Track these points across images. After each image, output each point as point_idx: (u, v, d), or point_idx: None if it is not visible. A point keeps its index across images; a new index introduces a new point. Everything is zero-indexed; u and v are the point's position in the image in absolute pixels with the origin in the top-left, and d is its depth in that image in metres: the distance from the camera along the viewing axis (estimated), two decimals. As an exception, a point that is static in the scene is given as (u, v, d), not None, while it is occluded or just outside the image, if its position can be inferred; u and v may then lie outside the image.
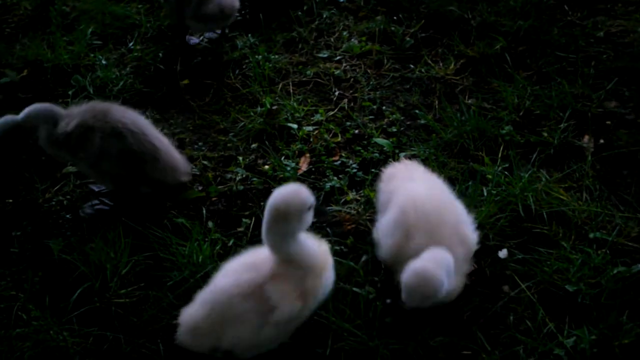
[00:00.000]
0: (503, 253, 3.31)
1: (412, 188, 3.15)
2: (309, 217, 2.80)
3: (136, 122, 3.65)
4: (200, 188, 3.81)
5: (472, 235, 3.06)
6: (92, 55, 4.78)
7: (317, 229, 3.47)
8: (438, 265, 2.77)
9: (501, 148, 3.87)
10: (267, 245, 2.80)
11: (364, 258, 3.32)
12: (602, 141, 3.94)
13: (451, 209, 3.08)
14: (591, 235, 3.38)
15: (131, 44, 4.95)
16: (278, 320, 2.76)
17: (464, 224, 3.06)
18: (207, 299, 2.84)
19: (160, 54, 4.81)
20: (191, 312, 2.85)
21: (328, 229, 3.49)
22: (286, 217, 2.72)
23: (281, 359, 2.99)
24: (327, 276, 2.89)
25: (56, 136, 3.55)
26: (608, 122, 4.07)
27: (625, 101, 4.21)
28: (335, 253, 3.29)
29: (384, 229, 3.10)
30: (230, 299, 2.77)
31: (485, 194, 3.57)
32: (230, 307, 2.77)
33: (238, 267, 2.88)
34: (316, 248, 2.88)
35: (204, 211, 3.65)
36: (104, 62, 4.72)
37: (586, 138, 3.96)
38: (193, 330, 2.82)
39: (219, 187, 3.81)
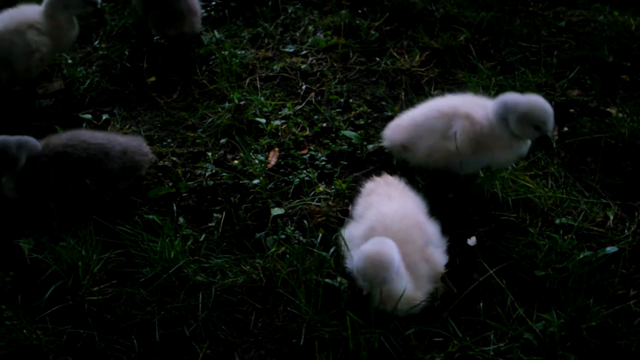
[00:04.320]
0: (472, 241, 3.35)
1: (385, 206, 3.22)
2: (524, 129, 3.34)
3: (74, 135, 3.70)
4: (170, 184, 3.82)
5: (439, 257, 3.12)
6: (57, 54, 4.75)
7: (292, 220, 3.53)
8: (383, 243, 2.92)
9: (467, 138, 3.91)
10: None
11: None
12: (566, 129, 4.01)
13: (420, 230, 3.14)
14: (557, 221, 3.44)
15: (97, 42, 4.94)
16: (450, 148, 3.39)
17: (431, 245, 3.12)
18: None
19: (127, 52, 4.80)
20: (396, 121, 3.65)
21: (304, 221, 3.53)
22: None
23: (256, 348, 3.01)
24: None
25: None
26: (571, 110, 4.13)
27: (588, 89, 4.29)
28: (306, 244, 3.34)
29: (352, 240, 3.16)
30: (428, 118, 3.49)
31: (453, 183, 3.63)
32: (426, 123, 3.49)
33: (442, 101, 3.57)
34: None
35: (175, 207, 3.66)
36: (69, 61, 4.70)
37: (550, 126, 4.03)
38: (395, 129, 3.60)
39: (189, 183, 3.82)
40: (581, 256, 3.21)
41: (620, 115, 4.01)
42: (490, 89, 4.23)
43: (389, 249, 2.90)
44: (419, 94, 4.30)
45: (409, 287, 2.96)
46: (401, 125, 3.59)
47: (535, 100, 3.35)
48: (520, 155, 3.50)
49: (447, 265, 3.12)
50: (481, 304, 3.08)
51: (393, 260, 2.87)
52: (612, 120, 3.98)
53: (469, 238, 3.36)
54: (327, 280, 3.16)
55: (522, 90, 4.17)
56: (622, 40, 4.60)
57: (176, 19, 4.67)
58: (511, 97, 3.38)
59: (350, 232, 3.22)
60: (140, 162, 3.72)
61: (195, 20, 4.74)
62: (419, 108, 3.62)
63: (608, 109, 4.12)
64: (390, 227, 3.06)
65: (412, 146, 3.52)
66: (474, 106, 3.43)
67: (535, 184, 3.62)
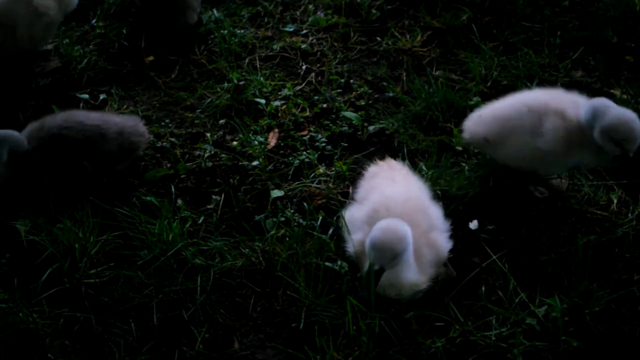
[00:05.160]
0: (474, 224, 3.30)
1: (389, 189, 3.16)
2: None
3: (69, 116, 3.65)
4: (168, 166, 3.78)
5: (443, 242, 3.07)
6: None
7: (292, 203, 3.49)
8: (399, 222, 2.87)
9: (469, 119, 3.87)
10: None
11: None
12: (569, 111, 3.96)
13: (424, 214, 3.09)
14: (560, 204, 3.40)
15: (94, 20, 4.87)
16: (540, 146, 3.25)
17: (436, 230, 3.08)
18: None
19: (124, 31, 4.74)
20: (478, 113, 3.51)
21: (304, 203, 3.49)
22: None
23: (255, 332, 2.99)
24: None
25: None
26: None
27: (591, 70, 4.24)
28: (306, 227, 3.31)
29: (354, 222, 3.11)
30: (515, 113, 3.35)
31: (455, 165, 3.58)
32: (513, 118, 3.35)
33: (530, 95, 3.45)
34: None
35: (173, 189, 3.62)
36: (66, 40, 4.64)
37: (554, 108, 3.98)
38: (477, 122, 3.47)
39: (187, 164, 3.77)
40: (584, 240, 3.17)
41: (625, 96, 3.97)
42: (492, 70, 4.19)
43: (405, 227, 2.86)
44: (420, 75, 4.26)
45: (413, 272, 2.93)
46: (484, 118, 3.44)
47: (624, 115, 3.12)
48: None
49: (450, 250, 3.09)
50: (483, 289, 3.05)
51: (408, 237, 2.83)
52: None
53: (471, 222, 3.32)
54: (327, 263, 3.12)
55: (524, 71, 4.14)
56: (626, 20, 4.54)
57: (171, 15, 4.63)
58: (602, 103, 3.19)
59: (352, 214, 3.18)
60: (137, 142, 3.67)
61: (190, 14, 4.68)
62: (504, 101, 3.47)
63: (612, 91, 4.08)
64: (394, 209, 3.01)
65: (498, 141, 3.37)
66: (565, 102, 3.27)
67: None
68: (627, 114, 3.13)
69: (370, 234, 2.85)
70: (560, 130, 3.22)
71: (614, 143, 3.10)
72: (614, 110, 3.13)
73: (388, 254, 2.80)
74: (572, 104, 3.27)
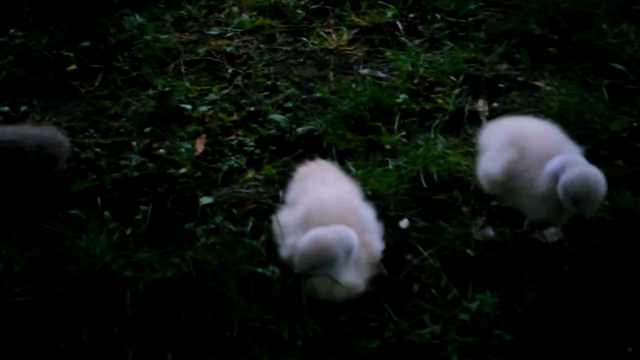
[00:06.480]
0: (404, 222, 3.31)
1: (321, 191, 3.14)
2: None
3: None
4: (93, 177, 3.70)
5: (376, 243, 3.05)
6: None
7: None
8: (333, 231, 2.85)
9: (397, 117, 3.87)
10: None
11: None
12: (495, 104, 3.99)
13: (357, 215, 3.07)
14: (492, 203, 3.41)
15: (12, 30, 4.76)
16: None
17: (369, 231, 3.05)
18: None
19: (44, 40, 4.63)
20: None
21: (234, 209, 3.44)
22: None
23: (188, 343, 2.94)
24: None
25: None
26: (500, 85, 4.11)
27: (516, 63, 4.27)
28: (236, 234, 3.27)
29: (287, 226, 3.07)
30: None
31: (384, 164, 3.57)
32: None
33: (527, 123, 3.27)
34: None
35: (99, 200, 3.53)
36: (-16, 52, 4.53)
37: (481, 102, 4.00)
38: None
39: (113, 174, 3.69)
40: (513, 233, 3.19)
41: (549, 88, 4.01)
42: (419, 67, 4.19)
43: (345, 232, 2.86)
44: (347, 74, 4.25)
45: (351, 274, 2.91)
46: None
47: (585, 172, 2.83)
48: (560, 218, 3.05)
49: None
50: (416, 287, 3.04)
51: (345, 242, 2.84)
52: (541, 94, 3.97)
53: (401, 220, 3.32)
54: (258, 269, 3.08)
55: (451, 66, 4.15)
56: (549, 12, 4.59)
57: None
58: (571, 157, 2.92)
59: (284, 218, 3.14)
60: (57, 153, 3.57)
61: None
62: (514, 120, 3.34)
63: (536, 83, 4.11)
64: (327, 212, 2.99)
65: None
66: (539, 143, 3.03)
67: (467, 162, 3.57)
68: (590, 172, 2.84)
69: (301, 244, 2.84)
70: (510, 165, 3.05)
71: (572, 200, 2.82)
72: (578, 166, 2.85)
73: (311, 260, 2.82)
74: (546, 150, 2.99)
